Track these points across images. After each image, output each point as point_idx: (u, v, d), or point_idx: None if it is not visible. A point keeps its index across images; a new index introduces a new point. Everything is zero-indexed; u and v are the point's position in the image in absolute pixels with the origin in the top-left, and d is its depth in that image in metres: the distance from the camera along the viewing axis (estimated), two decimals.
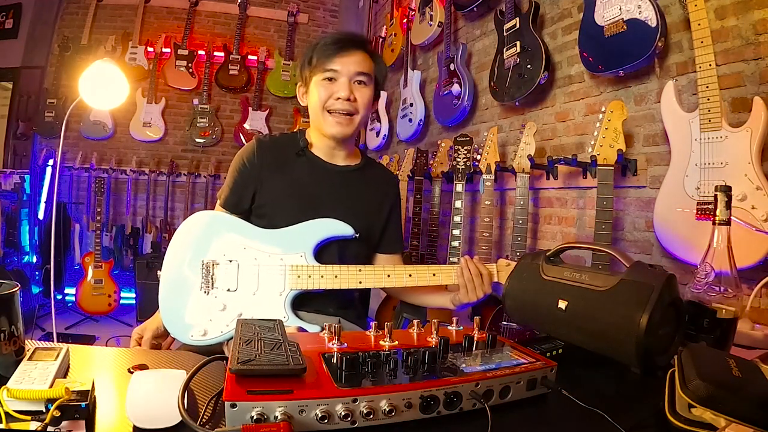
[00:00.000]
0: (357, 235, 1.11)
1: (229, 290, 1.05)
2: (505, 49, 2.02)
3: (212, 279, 1.05)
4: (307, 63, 1.13)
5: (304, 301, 1.10)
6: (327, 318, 1.12)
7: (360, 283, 1.07)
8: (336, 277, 1.06)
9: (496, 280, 1.10)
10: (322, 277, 1.06)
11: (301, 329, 1.01)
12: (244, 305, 1.04)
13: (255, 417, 0.47)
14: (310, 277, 1.06)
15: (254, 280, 1.06)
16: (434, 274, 1.10)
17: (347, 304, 1.20)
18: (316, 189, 1.16)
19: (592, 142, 1.45)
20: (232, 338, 1.03)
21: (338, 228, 1.10)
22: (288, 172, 1.15)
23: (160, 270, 1.10)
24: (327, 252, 1.12)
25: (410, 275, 1.09)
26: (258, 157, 1.15)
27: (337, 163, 1.20)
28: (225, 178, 1.22)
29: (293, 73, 4.06)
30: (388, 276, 1.09)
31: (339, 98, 1.10)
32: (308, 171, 1.17)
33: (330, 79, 1.11)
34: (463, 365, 0.61)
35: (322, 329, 0.97)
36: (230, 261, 1.07)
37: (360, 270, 1.08)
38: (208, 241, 1.09)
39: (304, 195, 1.15)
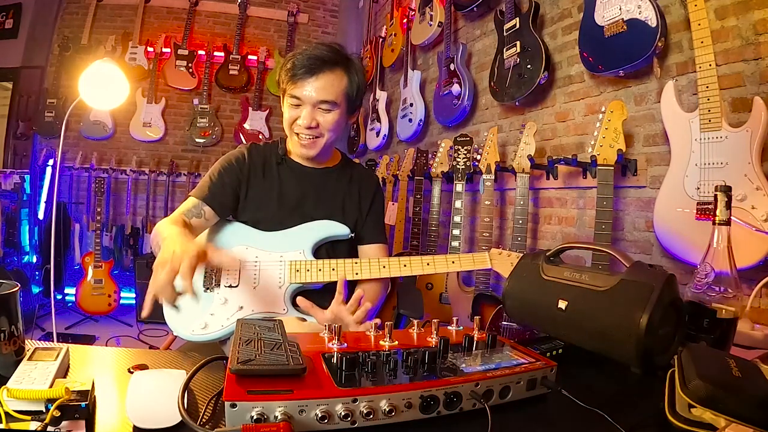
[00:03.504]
0: (352, 235, 1.17)
1: (230, 286, 1.08)
2: (505, 49, 2.02)
3: (215, 277, 1.08)
4: (281, 79, 1.14)
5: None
6: None
7: (356, 274, 1.10)
8: (333, 269, 1.10)
9: (489, 267, 1.13)
10: (319, 270, 1.09)
11: (301, 319, 1.04)
12: (245, 299, 1.07)
13: (255, 417, 0.47)
14: (308, 270, 1.09)
15: (255, 276, 1.09)
16: (428, 264, 1.13)
17: (344, 302, 1.21)
18: (298, 193, 1.19)
19: (592, 142, 1.45)
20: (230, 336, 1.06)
21: (336, 228, 1.16)
22: (271, 179, 1.19)
23: None
24: (318, 253, 1.16)
25: (405, 265, 1.12)
26: (247, 160, 1.18)
27: (316, 166, 1.24)
28: None
29: None
30: (384, 267, 1.12)
31: (301, 124, 1.11)
32: (289, 177, 1.20)
33: (294, 105, 1.12)
34: (463, 365, 0.61)
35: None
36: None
37: (356, 262, 1.11)
38: (214, 243, 1.13)
39: (287, 200, 1.18)
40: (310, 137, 1.13)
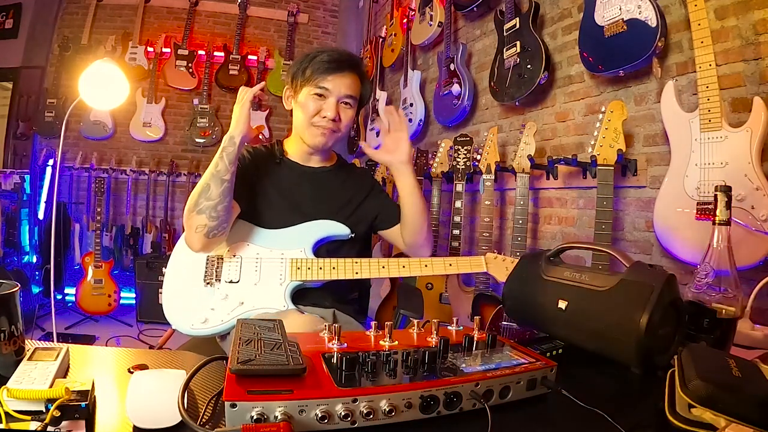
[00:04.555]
0: (353, 235, 1.17)
1: (231, 282, 1.09)
2: (505, 49, 2.02)
3: (216, 272, 1.10)
4: (301, 72, 1.16)
5: (301, 297, 1.14)
6: (324, 311, 1.16)
7: (356, 273, 1.11)
8: (334, 268, 1.11)
9: (484, 270, 1.15)
10: (320, 268, 1.10)
11: (299, 311, 1.06)
12: (246, 295, 1.08)
13: (255, 417, 0.47)
14: (309, 268, 1.10)
15: (256, 272, 1.10)
16: (426, 265, 1.14)
17: (344, 301, 1.23)
18: (298, 192, 1.20)
19: (592, 142, 1.45)
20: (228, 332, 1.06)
21: (337, 229, 1.16)
22: (271, 179, 1.20)
23: (165, 268, 1.13)
24: (319, 251, 1.16)
25: (404, 266, 1.13)
26: (248, 161, 1.18)
27: (314, 165, 1.25)
28: None
29: None
30: (383, 267, 1.13)
31: (325, 117, 1.14)
32: (288, 176, 1.22)
33: (320, 96, 1.14)
34: (463, 365, 0.61)
35: (321, 318, 1.00)
36: (234, 256, 1.11)
37: (356, 262, 1.12)
38: None
39: (287, 199, 1.19)
40: (330, 129, 1.16)
